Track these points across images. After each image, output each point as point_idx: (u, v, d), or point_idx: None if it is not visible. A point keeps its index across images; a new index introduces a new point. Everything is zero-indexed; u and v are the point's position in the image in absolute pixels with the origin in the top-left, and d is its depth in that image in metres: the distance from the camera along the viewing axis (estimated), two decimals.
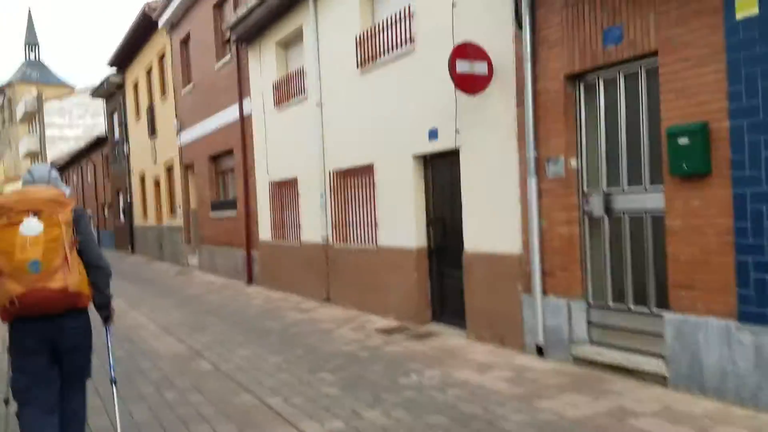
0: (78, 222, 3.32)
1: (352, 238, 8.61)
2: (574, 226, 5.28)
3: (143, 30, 18.02)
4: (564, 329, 5.32)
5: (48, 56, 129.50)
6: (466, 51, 5.72)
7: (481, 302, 6.14)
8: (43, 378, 3.32)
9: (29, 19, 69.52)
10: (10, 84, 58.85)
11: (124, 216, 23.89)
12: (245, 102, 11.81)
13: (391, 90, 7.43)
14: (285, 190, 10.60)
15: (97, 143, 27.51)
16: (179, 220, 17.10)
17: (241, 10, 10.30)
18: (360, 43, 7.93)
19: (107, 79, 22.28)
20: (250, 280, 12.10)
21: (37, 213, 3.16)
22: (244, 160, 12.00)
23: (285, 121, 10.26)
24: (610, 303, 5.14)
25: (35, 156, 46.51)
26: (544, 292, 5.46)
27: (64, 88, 52.04)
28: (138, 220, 22.14)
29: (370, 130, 7.91)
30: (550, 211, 5.39)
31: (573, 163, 5.29)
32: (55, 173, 3.60)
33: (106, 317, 3.65)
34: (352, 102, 8.29)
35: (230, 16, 11.41)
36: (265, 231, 11.40)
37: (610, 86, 5.07)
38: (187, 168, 16.22)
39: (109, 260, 3.58)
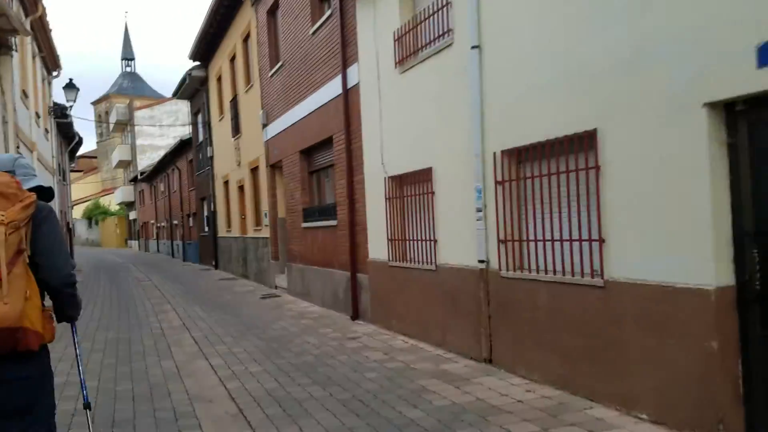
0: (39, 224, 2.32)
1: (539, 262, 5.12)
2: None
3: (225, 9, 15.51)
4: None
5: (143, 69, 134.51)
6: None
7: None
8: None
9: (126, 34, 71.91)
10: (106, 96, 60.47)
11: (208, 226, 21.68)
12: (351, 70, 8.67)
13: None
14: (411, 188, 7.30)
15: (182, 148, 25.70)
16: (265, 232, 14.30)
17: None
18: None
19: (189, 75, 20.13)
20: (356, 313, 8.88)
21: None
22: (347, 149, 8.85)
23: (413, 86, 6.98)
24: None
25: (127, 165, 46.49)
26: None
27: (157, 99, 52.21)
28: (222, 230, 19.75)
29: (586, 69, 4.45)
30: None
31: None
32: (23, 161, 2.56)
33: (70, 317, 2.62)
34: (544, 28, 4.86)
35: None
36: (378, 247, 8.15)
37: None
38: (273, 168, 13.39)
39: (75, 276, 2.50)
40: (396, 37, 7.24)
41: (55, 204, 18.76)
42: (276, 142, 12.74)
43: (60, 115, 18.47)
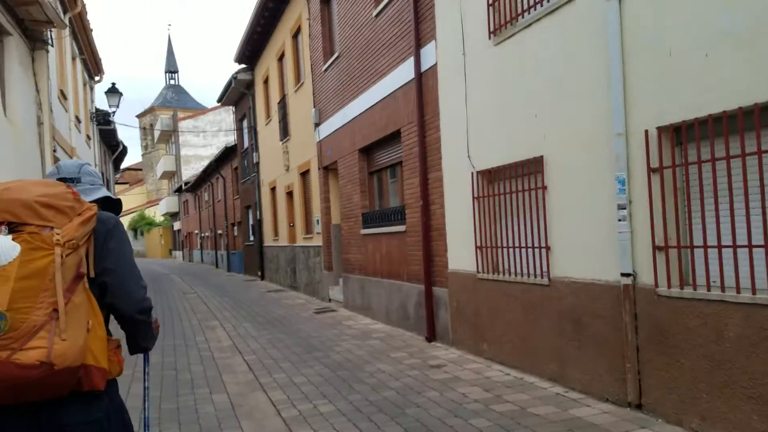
0: (105, 239, 2.00)
1: (724, 277, 3.73)
2: None
3: (274, 3, 14.56)
4: None
5: (187, 82, 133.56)
6: None
7: None
8: None
9: (169, 47, 72.95)
10: (151, 109, 61.05)
11: (254, 235, 20.78)
12: (425, 50, 7.44)
13: None
14: (508, 184, 5.99)
15: (227, 156, 24.99)
16: (317, 240, 13.17)
17: None
18: None
19: (234, 78, 19.31)
20: (432, 334, 7.59)
21: (15, 225, 1.81)
22: (421, 143, 7.61)
23: (513, 58, 5.69)
24: None
25: (171, 176, 46.49)
26: None
27: (201, 110, 52.33)
28: (268, 239, 18.78)
29: None
30: None
31: None
32: (90, 169, 2.28)
33: (144, 349, 2.32)
34: None
35: None
36: (462, 256, 6.86)
37: None
38: (327, 171, 12.27)
39: (150, 299, 2.14)
40: (490, 2, 5.98)
41: None
42: (330, 141, 11.62)
43: (102, 121, 17.82)
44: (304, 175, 14.16)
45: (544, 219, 5.33)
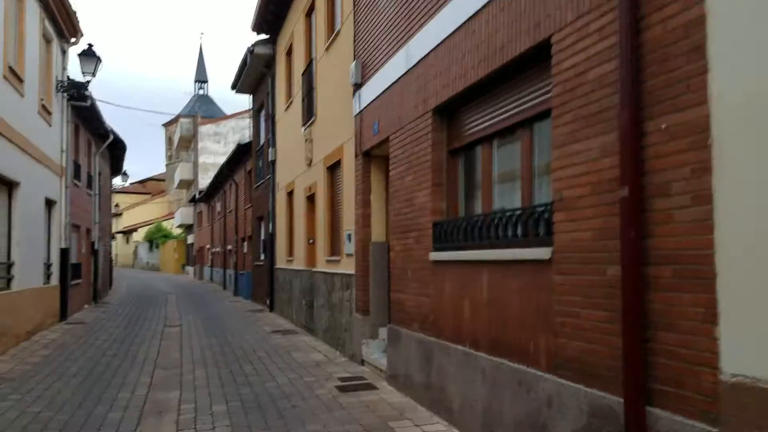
0: None
1: None
2: None
3: None
4: None
5: (217, 93, 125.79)
6: None
7: None
8: None
9: (200, 56, 70.28)
10: (176, 118, 57.84)
11: (264, 253, 16.41)
12: None
13: None
14: None
15: (240, 157, 20.81)
16: (346, 265, 8.66)
17: None
18: None
19: (250, 52, 15.13)
20: None
21: None
22: (628, 47, 3.09)
23: None
24: None
25: (189, 185, 42.74)
26: None
27: (222, 117, 48.88)
28: (280, 260, 14.36)
29: None
30: None
31: None
32: None
33: None
34: None
35: None
36: None
37: None
38: (369, 158, 7.82)
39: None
40: None
41: (61, 215, 13.79)
42: (378, 108, 7.18)
43: (76, 95, 13.69)
44: (333, 169, 9.74)
45: None
